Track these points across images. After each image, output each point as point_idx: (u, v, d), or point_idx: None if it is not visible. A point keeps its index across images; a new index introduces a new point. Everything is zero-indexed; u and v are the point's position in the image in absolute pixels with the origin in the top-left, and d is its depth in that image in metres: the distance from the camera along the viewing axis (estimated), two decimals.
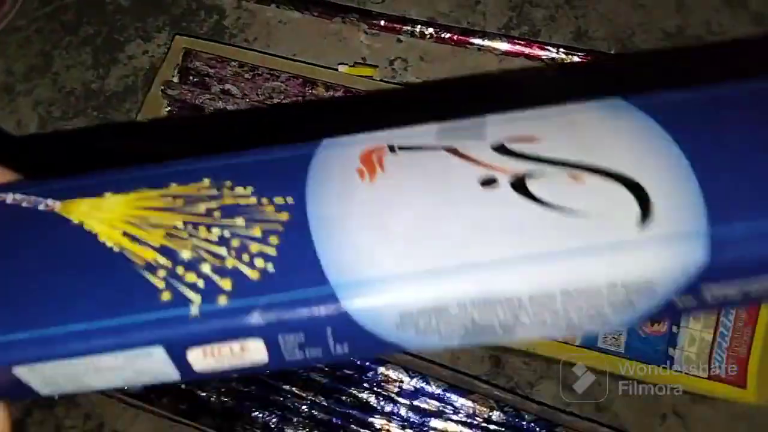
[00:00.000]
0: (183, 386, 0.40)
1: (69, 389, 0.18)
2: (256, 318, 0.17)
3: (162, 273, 0.17)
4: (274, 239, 0.17)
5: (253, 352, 0.17)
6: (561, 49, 0.47)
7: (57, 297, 0.17)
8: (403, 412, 0.39)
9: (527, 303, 0.17)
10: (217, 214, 0.18)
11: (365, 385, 0.40)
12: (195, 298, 0.17)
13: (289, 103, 0.46)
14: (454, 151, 0.18)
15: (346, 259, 0.17)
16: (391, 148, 0.19)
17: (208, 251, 0.18)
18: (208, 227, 0.18)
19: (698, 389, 0.37)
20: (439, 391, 0.39)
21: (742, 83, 0.18)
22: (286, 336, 0.17)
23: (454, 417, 0.39)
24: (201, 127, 0.46)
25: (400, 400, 0.39)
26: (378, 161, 0.19)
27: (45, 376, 0.17)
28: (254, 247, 0.17)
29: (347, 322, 0.17)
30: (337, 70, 0.48)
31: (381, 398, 0.39)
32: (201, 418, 0.40)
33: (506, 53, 0.48)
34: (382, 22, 0.50)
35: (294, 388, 0.40)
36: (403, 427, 0.39)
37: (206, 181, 0.19)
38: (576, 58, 0.47)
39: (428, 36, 0.49)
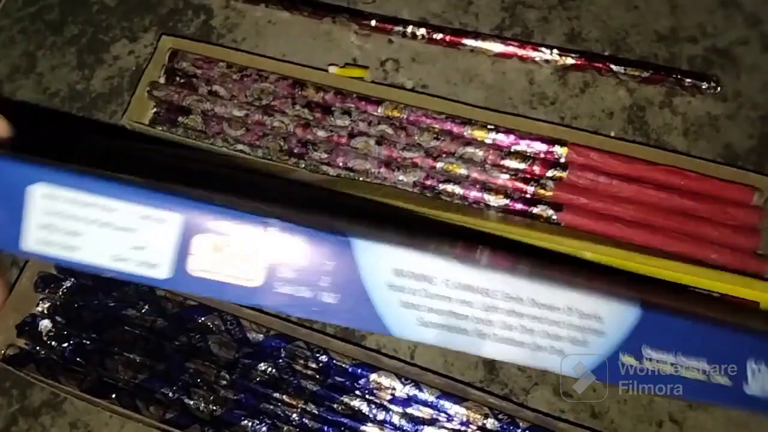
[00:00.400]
0: (171, 394, 0.39)
1: (53, 250, 0.17)
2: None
3: None
4: None
5: (255, 262, 0.18)
6: (554, 51, 0.47)
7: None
8: (395, 420, 0.38)
9: (501, 301, 0.18)
10: None
11: (357, 392, 0.39)
12: None
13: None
14: None
15: None
16: None
17: None
18: None
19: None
20: (432, 398, 0.38)
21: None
22: (289, 255, 0.18)
23: (448, 425, 0.38)
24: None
25: (393, 407, 0.39)
26: None
27: (50, 212, 0.17)
28: None
29: (348, 261, 0.18)
30: (327, 71, 0.47)
31: (373, 406, 0.38)
32: (189, 426, 0.39)
33: (499, 54, 0.48)
34: (373, 23, 0.49)
35: (284, 396, 0.39)
36: None
37: None
38: (570, 60, 0.46)
39: (420, 37, 0.48)
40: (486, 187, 0.42)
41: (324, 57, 0.49)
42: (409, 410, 0.38)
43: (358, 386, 0.39)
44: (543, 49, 0.47)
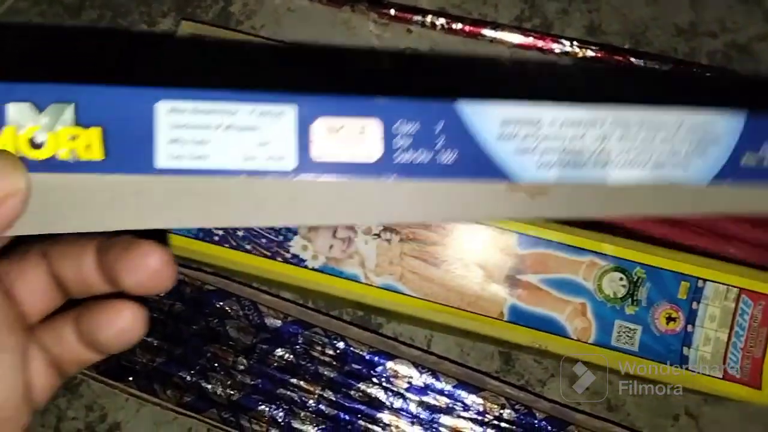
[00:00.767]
0: (189, 378, 0.39)
1: (186, 162, 0.18)
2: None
3: None
4: None
5: (370, 136, 0.19)
6: (574, 43, 0.46)
7: None
8: (412, 408, 0.38)
9: (608, 126, 0.20)
10: None
11: (374, 380, 0.39)
12: None
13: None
14: None
15: None
16: None
17: None
18: None
19: (712, 390, 0.36)
20: (449, 387, 0.38)
21: None
22: (402, 124, 0.19)
23: (465, 414, 0.38)
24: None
25: (410, 396, 0.39)
26: None
27: (176, 125, 0.18)
28: None
29: (458, 121, 0.19)
30: None
31: (390, 394, 0.39)
32: (206, 410, 0.39)
33: (518, 45, 0.48)
34: (392, 12, 0.49)
35: (302, 382, 0.39)
36: (413, 424, 0.38)
37: None
38: (590, 52, 0.46)
39: (439, 27, 0.48)
40: None
41: (342, 45, 0.49)
42: (425, 399, 0.39)
43: (375, 374, 0.39)
44: (562, 40, 0.47)
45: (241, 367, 0.39)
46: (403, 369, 0.39)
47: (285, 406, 0.39)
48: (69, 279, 0.21)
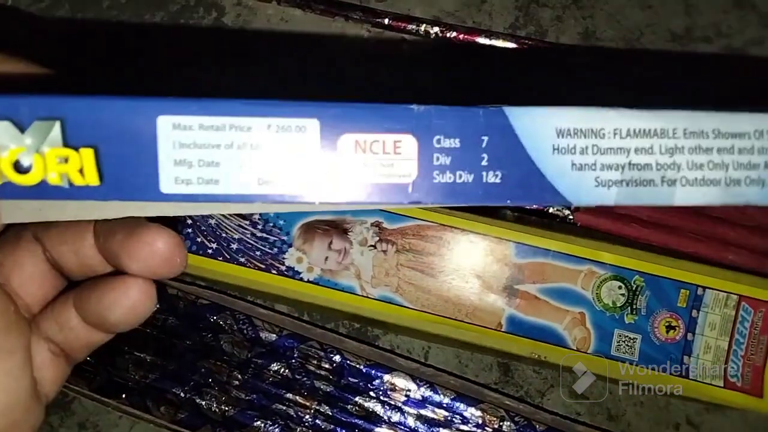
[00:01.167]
0: (182, 394, 0.39)
1: (194, 188, 0.16)
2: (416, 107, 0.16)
3: None
4: None
5: (405, 153, 0.17)
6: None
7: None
8: (410, 421, 0.38)
9: (681, 136, 0.17)
10: None
11: (371, 393, 0.38)
12: None
13: None
14: None
15: None
16: None
17: None
18: None
19: (713, 398, 0.36)
20: (447, 400, 0.38)
21: None
22: (441, 139, 0.17)
23: (463, 427, 0.38)
24: None
25: (407, 409, 0.38)
26: None
27: (182, 144, 0.16)
28: None
29: (505, 132, 0.17)
30: None
31: (387, 407, 0.38)
32: (200, 427, 0.38)
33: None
34: (386, 21, 0.49)
35: (297, 397, 0.38)
36: None
37: None
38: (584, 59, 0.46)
39: (433, 35, 0.48)
40: None
41: None
42: (423, 412, 0.38)
43: (372, 387, 0.39)
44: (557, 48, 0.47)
45: (236, 383, 0.39)
46: (401, 382, 0.38)
47: (281, 422, 0.38)
48: (68, 263, 0.20)
